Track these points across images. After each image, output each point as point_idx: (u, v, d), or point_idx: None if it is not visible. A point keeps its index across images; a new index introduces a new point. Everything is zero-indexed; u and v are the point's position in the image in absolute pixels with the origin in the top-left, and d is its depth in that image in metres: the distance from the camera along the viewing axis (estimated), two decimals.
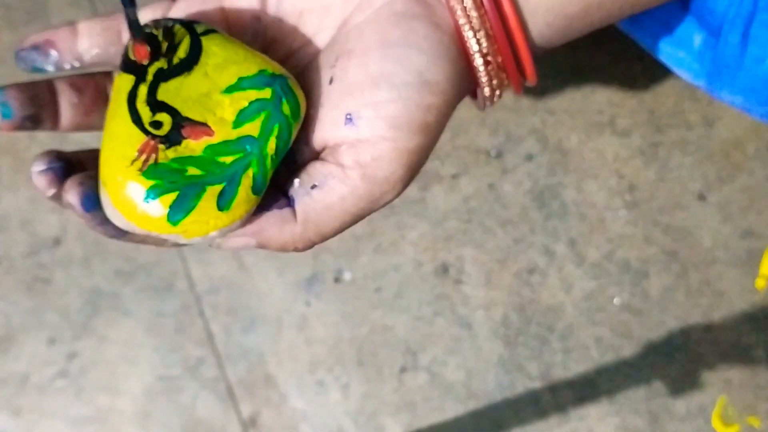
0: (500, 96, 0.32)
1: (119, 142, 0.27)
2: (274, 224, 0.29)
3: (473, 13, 0.29)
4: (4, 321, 0.70)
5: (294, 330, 0.69)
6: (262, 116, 0.28)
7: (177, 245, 0.30)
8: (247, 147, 0.28)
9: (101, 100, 0.31)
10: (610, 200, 0.70)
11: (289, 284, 0.70)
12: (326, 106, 0.29)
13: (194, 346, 0.69)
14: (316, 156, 0.30)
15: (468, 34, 0.29)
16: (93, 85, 0.31)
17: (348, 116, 0.28)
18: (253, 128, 0.28)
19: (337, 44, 0.30)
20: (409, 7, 0.29)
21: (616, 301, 0.68)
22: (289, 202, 0.29)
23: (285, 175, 0.30)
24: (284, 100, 0.28)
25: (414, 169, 0.30)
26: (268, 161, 0.28)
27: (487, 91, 0.31)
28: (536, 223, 0.70)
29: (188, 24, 0.29)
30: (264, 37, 0.32)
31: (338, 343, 0.69)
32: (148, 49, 0.28)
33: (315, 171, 0.29)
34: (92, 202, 0.28)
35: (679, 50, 0.56)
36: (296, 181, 0.29)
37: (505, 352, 0.68)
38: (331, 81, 0.29)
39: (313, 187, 0.29)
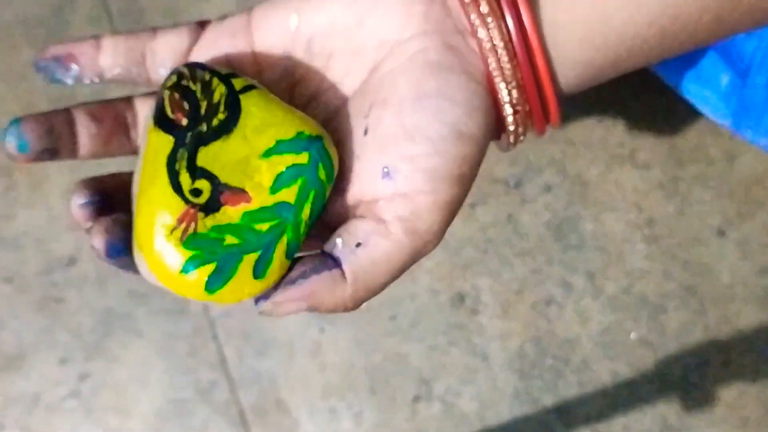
0: (523, 139, 0.32)
1: (158, 208, 0.27)
2: (325, 287, 0.28)
3: (506, 65, 0.29)
4: (16, 340, 0.70)
5: (307, 356, 0.69)
6: (299, 182, 0.28)
7: None
8: (284, 214, 0.28)
9: (120, 128, 0.31)
10: (628, 233, 0.69)
11: None
12: (362, 158, 0.29)
13: (207, 369, 0.69)
14: (350, 208, 0.30)
15: (500, 86, 0.29)
16: (112, 115, 0.31)
17: (385, 170, 0.28)
18: (289, 194, 0.28)
19: (369, 92, 0.30)
20: (443, 57, 0.29)
21: (632, 335, 0.68)
22: (336, 263, 0.29)
23: (318, 229, 0.30)
24: (320, 165, 0.28)
25: (452, 218, 0.30)
26: (302, 227, 0.28)
27: (512, 138, 0.31)
28: (554, 254, 0.69)
29: (227, 79, 0.29)
30: (293, 75, 0.32)
31: (351, 370, 0.68)
32: (186, 107, 0.28)
33: (356, 229, 0.29)
34: (117, 251, 0.28)
35: (705, 89, 0.56)
36: (338, 240, 0.29)
37: (520, 384, 0.68)
38: (365, 132, 0.29)
39: (358, 245, 0.29)
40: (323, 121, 0.31)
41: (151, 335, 0.69)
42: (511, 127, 0.31)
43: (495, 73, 0.29)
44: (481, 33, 0.29)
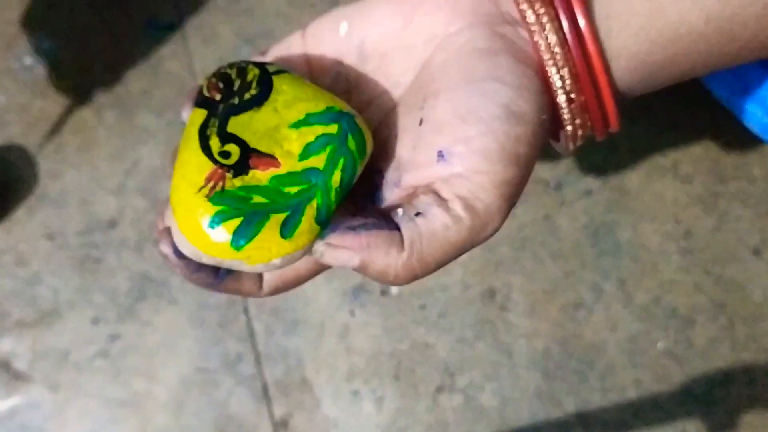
0: (582, 138, 0.32)
1: (189, 170, 0.28)
2: (382, 244, 0.28)
3: (557, 50, 0.29)
4: (52, 296, 0.71)
5: (335, 337, 0.70)
6: (328, 150, 0.28)
7: (259, 296, 0.31)
8: (312, 179, 0.28)
9: None
10: (664, 244, 0.70)
11: (336, 292, 0.70)
12: (418, 147, 0.29)
13: (235, 341, 0.70)
14: (408, 198, 0.30)
15: (551, 70, 0.29)
16: None
17: (440, 153, 0.28)
18: (318, 161, 0.28)
19: (423, 85, 0.30)
20: (492, 43, 0.29)
21: (659, 345, 0.68)
22: (397, 228, 0.29)
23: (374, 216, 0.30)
24: (350, 136, 0.29)
25: (512, 200, 0.30)
26: (333, 193, 0.28)
27: (569, 129, 0.31)
28: (588, 258, 0.70)
29: (260, 64, 0.31)
30: (347, 80, 0.32)
31: (377, 355, 0.69)
32: (221, 85, 0.30)
33: (418, 201, 0.29)
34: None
35: (755, 107, 0.56)
36: (399, 210, 0.29)
37: (543, 384, 0.68)
38: (420, 122, 0.30)
39: (417, 214, 0.29)
40: (380, 121, 0.32)
41: (184, 304, 0.70)
42: (567, 116, 0.31)
43: (546, 57, 0.29)
44: (530, 17, 0.29)
